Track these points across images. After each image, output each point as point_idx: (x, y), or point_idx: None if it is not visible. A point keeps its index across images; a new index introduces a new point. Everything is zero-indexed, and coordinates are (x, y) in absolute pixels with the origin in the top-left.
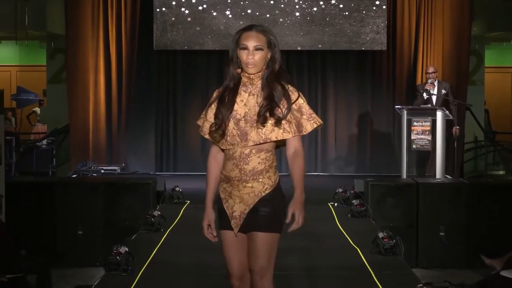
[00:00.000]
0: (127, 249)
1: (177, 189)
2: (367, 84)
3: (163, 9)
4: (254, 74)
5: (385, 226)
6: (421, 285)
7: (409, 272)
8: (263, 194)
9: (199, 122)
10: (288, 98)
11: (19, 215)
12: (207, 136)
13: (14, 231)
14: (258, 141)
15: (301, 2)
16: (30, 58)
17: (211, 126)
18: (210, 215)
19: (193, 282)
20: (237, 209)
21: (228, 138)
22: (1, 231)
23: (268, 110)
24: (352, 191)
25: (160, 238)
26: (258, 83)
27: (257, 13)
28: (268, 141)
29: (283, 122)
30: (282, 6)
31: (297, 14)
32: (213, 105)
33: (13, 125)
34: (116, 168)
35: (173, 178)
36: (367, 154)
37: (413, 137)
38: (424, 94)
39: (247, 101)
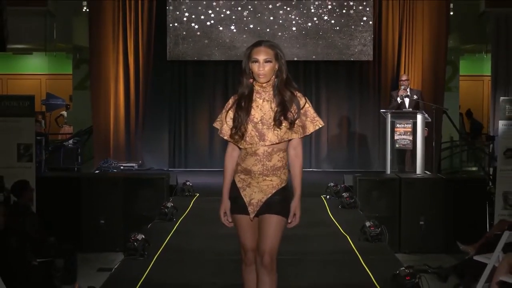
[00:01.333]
0: (143, 236)
1: (187, 183)
2: (355, 90)
3: (176, 24)
4: (265, 83)
5: (371, 216)
6: (403, 268)
7: (393, 256)
8: (279, 187)
9: (217, 125)
10: (297, 103)
11: (48, 207)
12: (226, 137)
13: (44, 221)
14: (275, 141)
15: (297, 18)
16: (58, 67)
17: (231, 129)
18: (226, 205)
19: (202, 265)
20: (255, 197)
21: (247, 139)
22: (32, 220)
23: (283, 115)
24: (342, 185)
25: (173, 226)
26: (270, 91)
27: (258, 28)
28: (283, 141)
29: (294, 125)
30: (280, 21)
31: (294, 28)
32: (230, 110)
33: (43, 127)
34: (134, 164)
35: (184, 173)
36: (356, 152)
37: (396, 137)
38: (398, 99)
39: (262, 106)
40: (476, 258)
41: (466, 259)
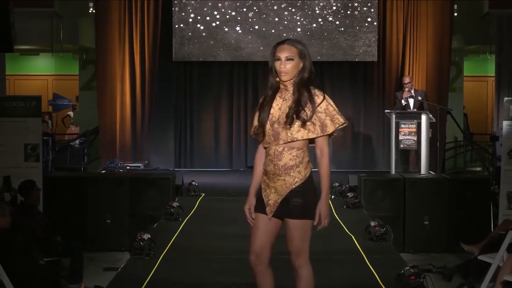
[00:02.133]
0: (149, 236)
1: (193, 183)
2: (360, 91)
3: (181, 25)
4: (287, 81)
5: (376, 216)
6: (408, 267)
7: (397, 256)
8: (294, 187)
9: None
10: (312, 101)
11: (55, 206)
12: (253, 136)
13: (51, 220)
14: (287, 140)
15: (302, 19)
16: (65, 68)
17: (254, 127)
18: (251, 201)
19: (207, 265)
20: (272, 198)
21: (267, 138)
22: (38, 220)
23: (295, 112)
24: (347, 185)
25: (179, 226)
26: (291, 89)
27: (264, 29)
28: (295, 140)
29: (308, 123)
30: (285, 22)
31: (299, 29)
32: (258, 109)
33: (49, 127)
34: (140, 164)
35: (190, 173)
36: (360, 152)
37: (400, 137)
38: (403, 101)
39: (281, 106)
40: (480, 257)
41: (470, 259)
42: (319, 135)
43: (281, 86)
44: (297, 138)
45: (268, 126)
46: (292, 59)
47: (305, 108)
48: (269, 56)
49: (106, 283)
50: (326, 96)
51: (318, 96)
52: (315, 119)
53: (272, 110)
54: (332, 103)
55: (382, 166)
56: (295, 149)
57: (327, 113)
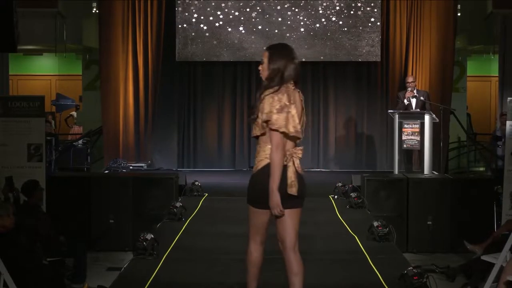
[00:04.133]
0: (152, 236)
1: (196, 183)
2: (363, 91)
3: (185, 25)
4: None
5: (379, 216)
6: (411, 268)
7: (401, 256)
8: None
9: None
10: (258, 100)
11: (59, 206)
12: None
13: (54, 220)
14: (252, 135)
15: (305, 19)
16: (68, 68)
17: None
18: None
19: (210, 264)
20: None
21: None
22: (42, 220)
23: (251, 113)
24: (350, 185)
25: (182, 226)
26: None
27: (267, 29)
28: (254, 136)
29: (255, 122)
30: (288, 23)
31: (302, 29)
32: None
33: (53, 127)
34: (143, 164)
35: (193, 173)
36: (364, 152)
37: (404, 137)
38: (405, 101)
39: None
40: (483, 257)
41: (473, 259)
42: (257, 134)
43: None
44: (253, 135)
45: None
46: (263, 63)
47: (255, 107)
48: None
49: (109, 283)
50: (267, 96)
51: (264, 96)
52: (259, 118)
53: None
54: (271, 101)
55: (385, 166)
56: (258, 145)
57: (262, 111)
